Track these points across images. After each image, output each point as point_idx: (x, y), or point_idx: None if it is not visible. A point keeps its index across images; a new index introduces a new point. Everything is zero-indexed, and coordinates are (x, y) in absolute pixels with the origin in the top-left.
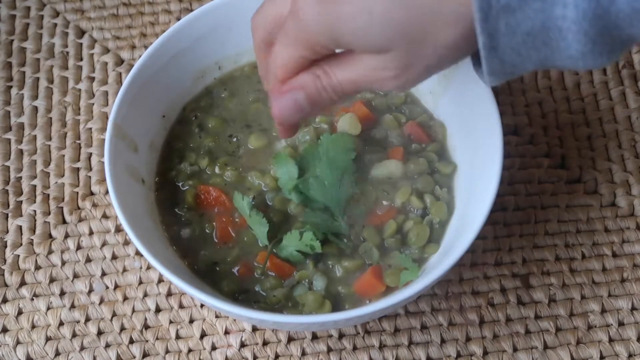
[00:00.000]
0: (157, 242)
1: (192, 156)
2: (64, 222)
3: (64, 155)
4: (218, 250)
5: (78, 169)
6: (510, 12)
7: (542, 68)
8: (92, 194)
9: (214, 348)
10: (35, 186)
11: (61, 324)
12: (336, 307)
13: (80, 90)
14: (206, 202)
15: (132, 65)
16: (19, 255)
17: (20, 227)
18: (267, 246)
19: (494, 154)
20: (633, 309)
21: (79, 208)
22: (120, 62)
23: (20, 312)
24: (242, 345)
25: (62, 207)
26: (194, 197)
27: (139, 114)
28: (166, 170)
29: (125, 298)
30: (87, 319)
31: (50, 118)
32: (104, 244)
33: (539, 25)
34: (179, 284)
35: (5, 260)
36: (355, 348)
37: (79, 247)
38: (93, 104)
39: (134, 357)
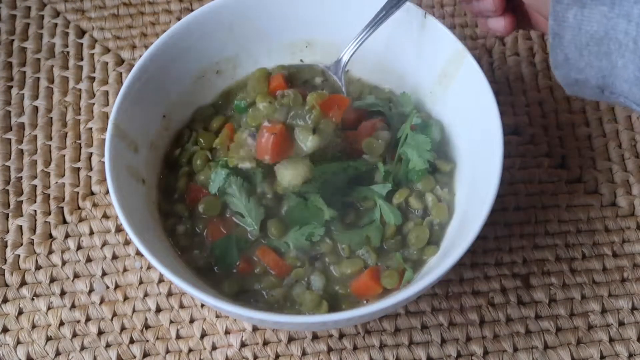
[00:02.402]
0: (157, 242)
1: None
2: (65, 222)
3: (64, 155)
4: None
5: (78, 169)
6: (581, 5)
7: (604, 88)
8: (92, 193)
9: (214, 348)
10: (35, 186)
11: (62, 323)
12: (333, 307)
13: (80, 90)
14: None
15: (132, 65)
16: (19, 255)
17: (20, 227)
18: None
19: (495, 154)
20: (633, 308)
21: (79, 208)
22: (120, 62)
23: (20, 312)
24: (243, 345)
25: (62, 207)
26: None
27: (139, 114)
28: (170, 158)
29: (125, 298)
30: (88, 319)
31: (51, 118)
32: (104, 243)
33: (602, 32)
34: (180, 283)
35: (5, 260)
36: (355, 348)
37: (79, 247)
38: (93, 103)
39: (135, 357)
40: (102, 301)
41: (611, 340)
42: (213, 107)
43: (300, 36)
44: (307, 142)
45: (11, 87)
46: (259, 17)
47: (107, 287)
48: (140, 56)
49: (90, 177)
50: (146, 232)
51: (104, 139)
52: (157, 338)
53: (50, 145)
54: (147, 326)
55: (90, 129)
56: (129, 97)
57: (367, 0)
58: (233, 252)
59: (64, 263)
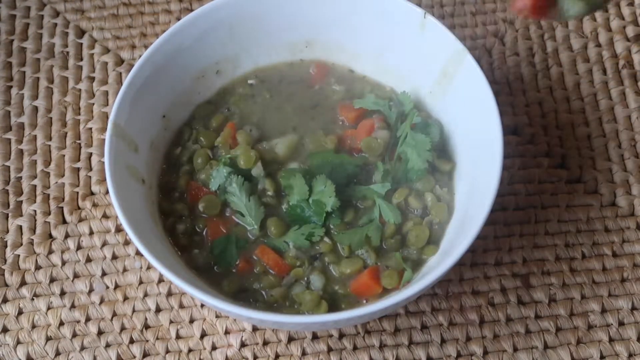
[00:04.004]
0: (157, 242)
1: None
2: (64, 222)
3: (64, 155)
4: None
5: (78, 169)
6: None
7: None
8: (92, 193)
9: (214, 348)
10: (35, 186)
11: (61, 323)
12: (333, 307)
13: (80, 90)
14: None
15: (132, 65)
16: (19, 255)
17: (20, 227)
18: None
19: (495, 154)
20: (633, 308)
21: (79, 208)
22: (120, 62)
23: (20, 312)
24: (243, 345)
25: (62, 207)
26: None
27: (139, 113)
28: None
29: (125, 298)
30: (88, 319)
31: (51, 118)
32: (104, 243)
33: None
34: (179, 283)
35: (5, 260)
36: (355, 348)
37: (79, 247)
38: (93, 103)
39: (134, 357)
40: (102, 301)
41: (611, 340)
42: (212, 104)
43: (300, 36)
44: (573, 7)
45: (11, 87)
46: (258, 17)
47: (107, 287)
48: (140, 56)
49: (90, 177)
50: (146, 232)
51: (104, 139)
52: (157, 338)
53: (50, 145)
54: (147, 326)
55: (90, 129)
56: (128, 97)
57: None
58: (232, 251)
59: (63, 263)
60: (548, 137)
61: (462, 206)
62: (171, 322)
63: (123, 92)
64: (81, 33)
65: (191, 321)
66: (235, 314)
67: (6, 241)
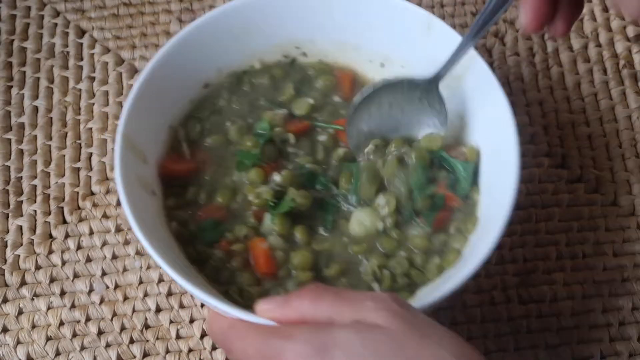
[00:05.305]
0: (170, 252)
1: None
2: (65, 222)
3: (64, 155)
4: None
5: (78, 169)
6: None
7: None
8: (92, 193)
9: (214, 348)
10: (35, 186)
11: (61, 323)
12: None
13: (80, 90)
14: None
15: (132, 65)
16: (19, 255)
17: (20, 227)
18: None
19: (510, 157)
20: (634, 308)
21: (79, 208)
22: (120, 61)
23: (20, 312)
24: None
25: (62, 207)
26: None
27: (146, 124)
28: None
29: (125, 298)
30: (88, 319)
31: (51, 118)
32: (104, 243)
33: None
34: (200, 294)
35: (5, 260)
36: None
37: (79, 247)
38: (93, 103)
39: (135, 357)
40: (102, 301)
41: (612, 339)
42: (217, 114)
43: (307, 41)
44: None
45: (11, 87)
46: (263, 22)
47: (107, 287)
48: (141, 56)
49: (90, 177)
50: (160, 243)
51: (104, 139)
52: (157, 338)
53: (50, 145)
54: (147, 326)
55: (90, 129)
56: (136, 108)
57: (377, 1)
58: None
59: (64, 263)
60: (548, 137)
61: (483, 215)
62: (171, 322)
63: (131, 103)
64: (81, 33)
65: (191, 321)
66: (236, 315)
67: (6, 241)
